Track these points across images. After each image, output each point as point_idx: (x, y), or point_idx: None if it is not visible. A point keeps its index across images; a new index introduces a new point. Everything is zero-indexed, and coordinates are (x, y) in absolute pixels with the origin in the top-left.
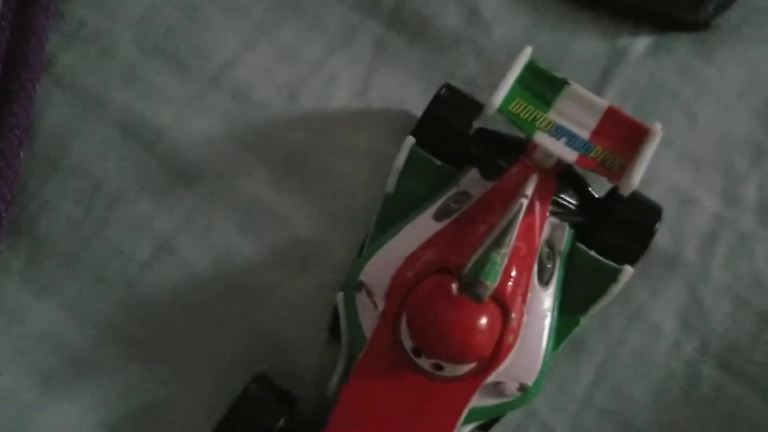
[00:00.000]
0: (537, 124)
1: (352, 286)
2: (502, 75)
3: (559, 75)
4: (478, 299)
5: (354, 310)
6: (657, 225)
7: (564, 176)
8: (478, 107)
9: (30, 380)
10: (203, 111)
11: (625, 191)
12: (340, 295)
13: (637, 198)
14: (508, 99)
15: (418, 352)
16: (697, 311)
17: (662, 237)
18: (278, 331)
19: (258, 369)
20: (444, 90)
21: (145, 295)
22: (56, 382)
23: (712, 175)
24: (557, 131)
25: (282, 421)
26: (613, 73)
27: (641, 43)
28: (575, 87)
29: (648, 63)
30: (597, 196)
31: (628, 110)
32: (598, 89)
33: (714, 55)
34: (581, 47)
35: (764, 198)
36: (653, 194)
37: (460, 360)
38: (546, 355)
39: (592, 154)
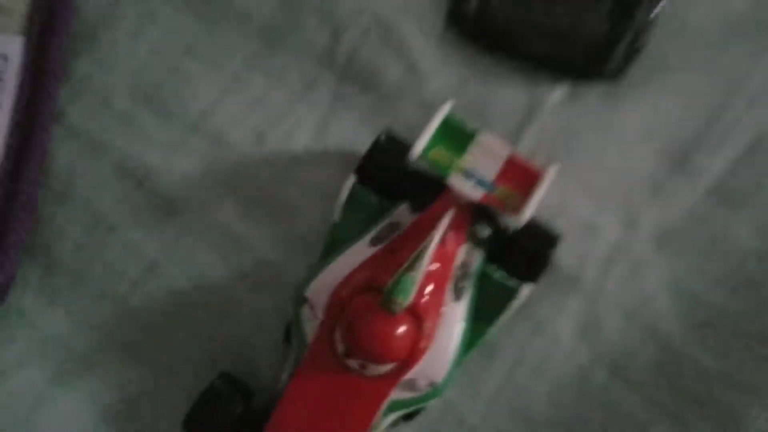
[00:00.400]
0: (452, 168)
1: (300, 300)
2: (428, 129)
3: (470, 126)
4: (393, 312)
5: (300, 322)
6: (553, 250)
7: (478, 210)
8: (406, 153)
9: (42, 374)
10: (185, 153)
11: (518, 224)
12: (291, 309)
13: (538, 227)
14: (430, 146)
15: (347, 354)
16: (592, 324)
17: (566, 259)
18: (242, 338)
19: (225, 368)
20: (382, 136)
21: (135, 308)
22: (63, 376)
23: (614, 207)
24: (468, 174)
25: (239, 409)
26: (532, 119)
27: (558, 93)
28: (485, 136)
29: (563, 110)
30: (506, 225)
31: (542, 152)
32: (518, 134)
33: (621, 102)
34: (505, 96)
35: (659, 228)
36: (563, 222)
37: (380, 361)
38: (455, 358)
39: (495, 194)
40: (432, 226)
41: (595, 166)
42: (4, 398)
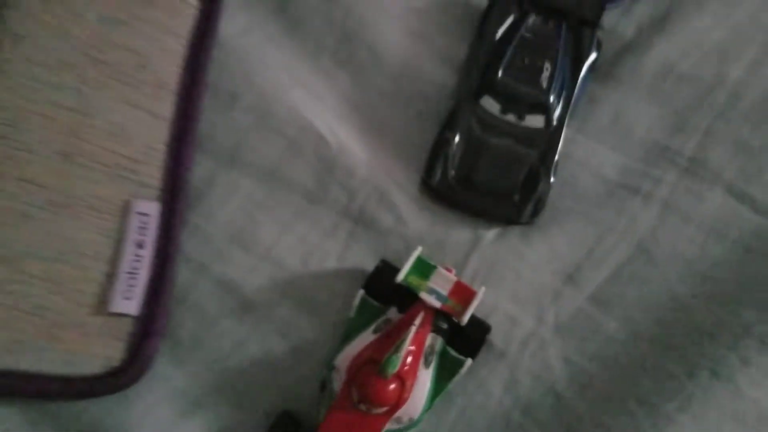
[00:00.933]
0: (421, 288)
1: (330, 367)
2: (406, 265)
3: (432, 263)
4: (386, 377)
5: (330, 380)
6: (486, 337)
7: (439, 312)
8: (394, 275)
9: (171, 412)
10: (258, 272)
11: (462, 323)
12: (325, 372)
13: (476, 321)
14: (408, 274)
15: (359, 401)
16: (512, 383)
17: (497, 341)
18: (295, 389)
19: (285, 407)
20: (380, 263)
21: (230, 369)
22: (185, 413)
23: (528, 307)
24: (431, 291)
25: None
26: (475, 250)
27: (491, 233)
28: (440, 269)
29: (493, 245)
30: (457, 321)
31: (480, 275)
32: (466, 259)
33: (531, 240)
34: (458, 235)
35: (557, 321)
36: (495, 317)
37: (378, 405)
38: (426, 404)
39: (448, 304)
40: (411, 322)
41: (515, 281)
42: (142, 427)
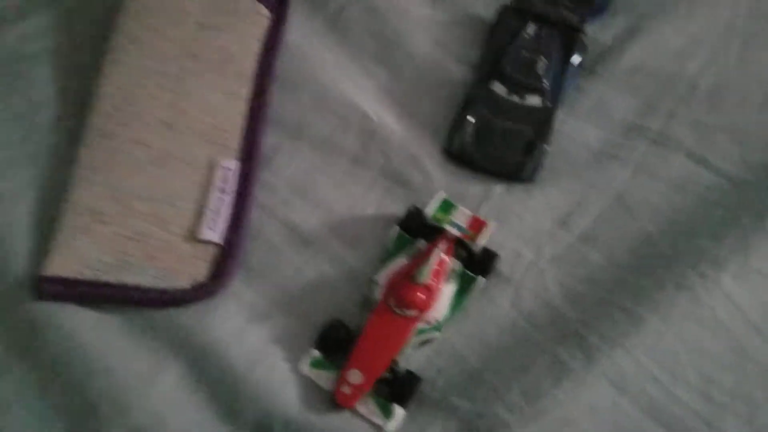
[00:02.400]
0: (445, 222)
1: (373, 282)
2: (433, 204)
3: (453, 203)
4: (417, 285)
5: (372, 292)
6: (496, 261)
7: (459, 241)
8: (423, 215)
9: (241, 319)
10: (315, 215)
11: (477, 249)
12: (367, 287)
13: (488, 251)
14: (434, 212)
15: (396, 306)
16: (517, 299)
17: (504, 268)
18: (344, 303)
19: (336, 316)
20: (412, 207)
21: (292, 289)
22: (254, 321)
23: (529, 243)
24: (453, 224)
25: (343, 333)
26: (486, 200)
27: (499, 187)
28: (460, 208)
29: (501, 197)
30: (473, 249)
31: (491, 216)
32: (478, 207)
33: (532, 193)
34: (472, 188)
35: (552, 255)
36: (505, 249)
37: (412, 309)
38: (447, 312)
39: (466, 233)
40: (436, 247)
41: (519, 224)
42: (218, 331)
